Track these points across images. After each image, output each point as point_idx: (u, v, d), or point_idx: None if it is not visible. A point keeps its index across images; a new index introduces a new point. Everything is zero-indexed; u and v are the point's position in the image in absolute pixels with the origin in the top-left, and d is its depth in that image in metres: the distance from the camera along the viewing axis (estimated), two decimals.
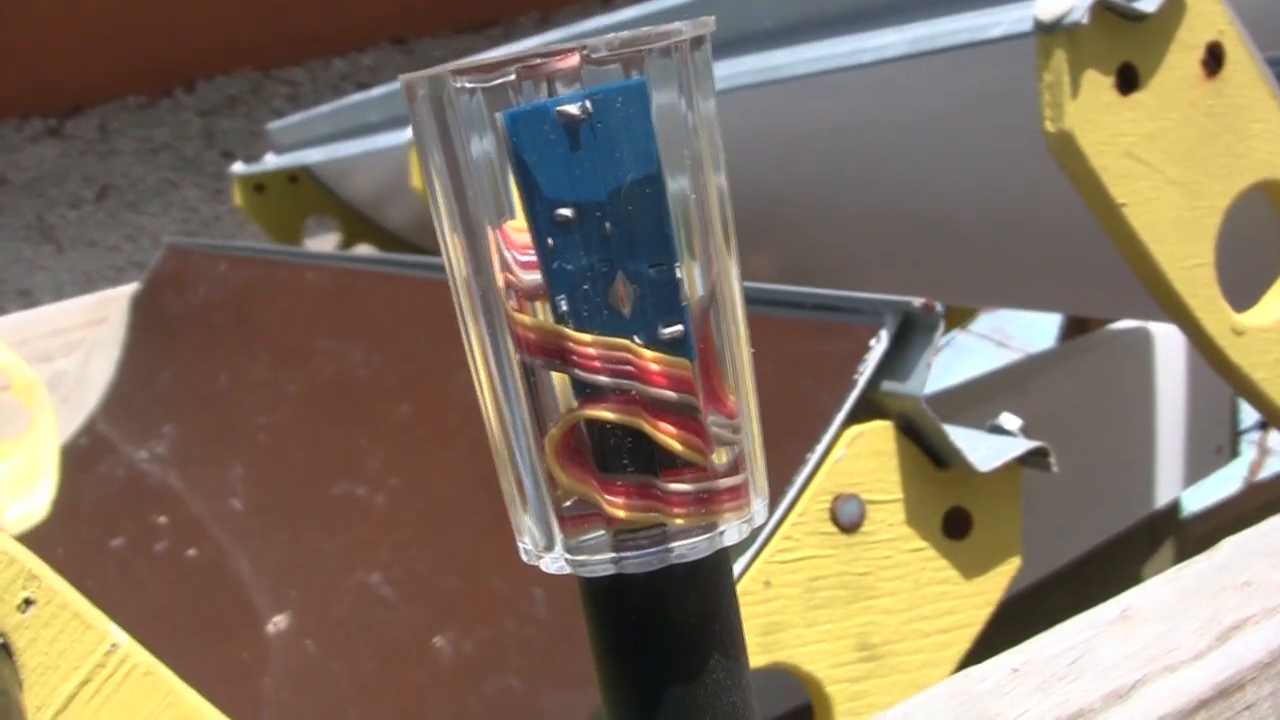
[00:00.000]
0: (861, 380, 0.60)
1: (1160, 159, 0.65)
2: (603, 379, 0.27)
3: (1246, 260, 0.69)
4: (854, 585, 0.60)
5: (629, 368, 0.27)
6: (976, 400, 1.31)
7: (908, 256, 1.05)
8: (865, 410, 0.61)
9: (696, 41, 0.27)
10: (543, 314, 0.27)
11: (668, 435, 0.27)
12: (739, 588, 0.58)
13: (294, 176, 1.47)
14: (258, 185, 1.48)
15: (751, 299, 0.68)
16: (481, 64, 0.26)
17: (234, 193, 1.50)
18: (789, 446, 0.61)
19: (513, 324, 0.27)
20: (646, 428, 0.27)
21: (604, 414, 0.27)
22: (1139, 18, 0.63)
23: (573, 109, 0.26)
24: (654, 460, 0.27)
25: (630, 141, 0.26)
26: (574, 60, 0.26)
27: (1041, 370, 1.33)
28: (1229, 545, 0.48)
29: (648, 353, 0.27)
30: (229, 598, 0.82)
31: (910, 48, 0.71)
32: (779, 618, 0.59)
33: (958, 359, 1.70)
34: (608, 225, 0.26)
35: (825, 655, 0.60)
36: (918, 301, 0.59)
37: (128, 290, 1.44)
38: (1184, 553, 1.34)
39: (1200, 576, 0.46)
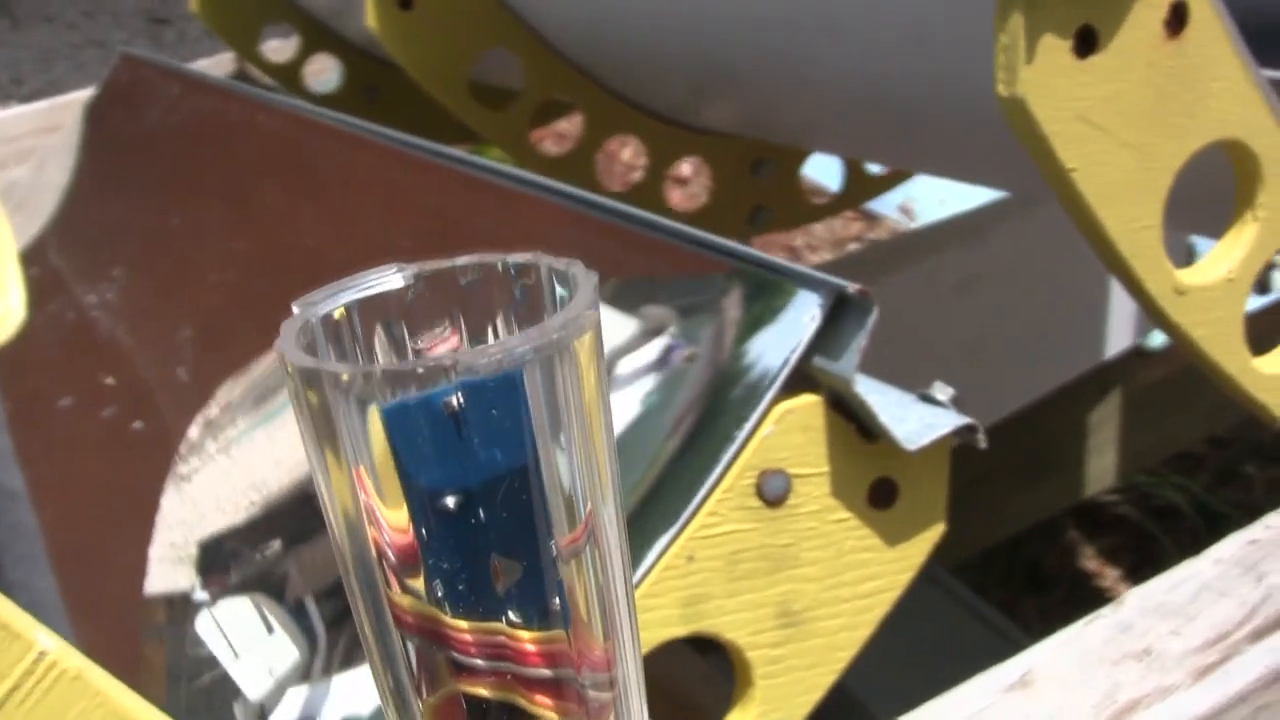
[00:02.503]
0: (793, 359, 0.60)
1: (1114, 122, 0.64)
2: (479, 662, 0.27)
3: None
4: (777, 556, 0.61)
5: (505, 650, 0.27)
6: (939, 245, 1.32)
7: (860, 123, 1.04)
8: (794, 378, 0.61)
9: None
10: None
11: (545, 708, 0.27)
12: (662, 563, 0.59)
13: None
14: None
15: (699, 243, 0.67)
16: (354, 370, 0.25)
17: None
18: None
19: (390, 602, 0.27)
20: (523, 703, 0.27)
21: (480, 690, 0.27)
22: None
23: (449, 401, 0.25)
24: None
25: (504, 432, 0.26)
26: (448, 363, 0.25)
27: (1002, 218, 1.33)
28: (1135, 597, 0.49)
29: (524, 634, 0.27)
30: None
31: None
32: (701, 590, 0.60)
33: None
34: (482, 513, 0.26)
35: (746, 623, 0.61)
36: (853, 286, 0.59)
37: (80, 97, 1.41)
38: (1130, 401, 1.36)
39: (1104, 637, 0.47)
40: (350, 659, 0.65)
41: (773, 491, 0.60)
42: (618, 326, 0.72)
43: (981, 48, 0.63)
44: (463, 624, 0.26)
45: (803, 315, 0.60)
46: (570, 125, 1.63)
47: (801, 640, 0.62)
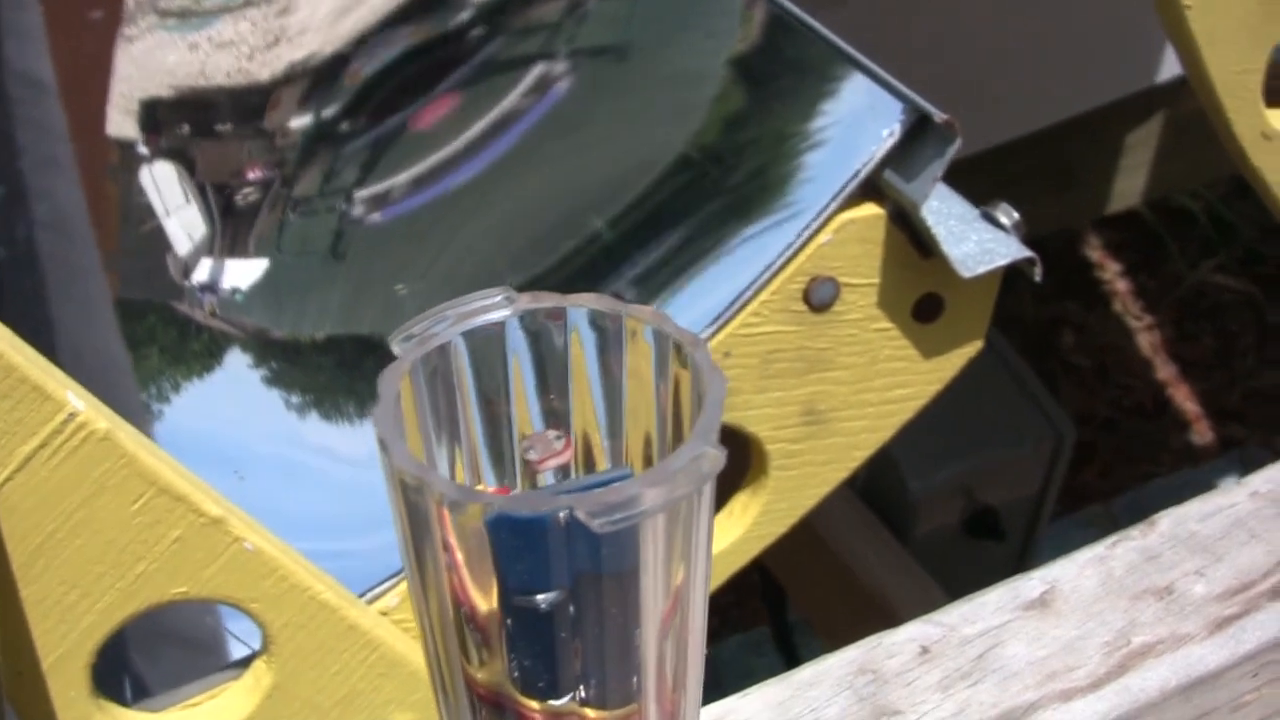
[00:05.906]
0: (863, 172, 0.58)
1: None
2: None
3: None
4: (811, 358, 0.61)
5: None
6: None
7: None
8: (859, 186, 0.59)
9: None
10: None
11: None
12: None
13: None
14: None
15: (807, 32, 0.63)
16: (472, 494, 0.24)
17: None
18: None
19: (467, 676, 0.27)
20: None
21: None
22: None
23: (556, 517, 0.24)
24: None
25: (610, 550, 0.25)
26: (563, 510, 0.24)
27: None
28: (1167, 520, 0.49)
29: (591, 714, 0.27)
30: None
31: None
32: (732, 385, 0.60)
33: None
34: (572, 609, 0.26)
35: (770, 419, 0.61)
36: (939, 116, 0.56)
37: None
38: (1171, 126, 1.33)
39: (1128, 564, 0.47)
40: (234, 249, 0.73)
41: (820, 298, 0.59)
42: None
43: None
44: (534, 704, 0.26)
45: (880, 127, 0.58)
46: None
47: (822, 438, 0.63)
